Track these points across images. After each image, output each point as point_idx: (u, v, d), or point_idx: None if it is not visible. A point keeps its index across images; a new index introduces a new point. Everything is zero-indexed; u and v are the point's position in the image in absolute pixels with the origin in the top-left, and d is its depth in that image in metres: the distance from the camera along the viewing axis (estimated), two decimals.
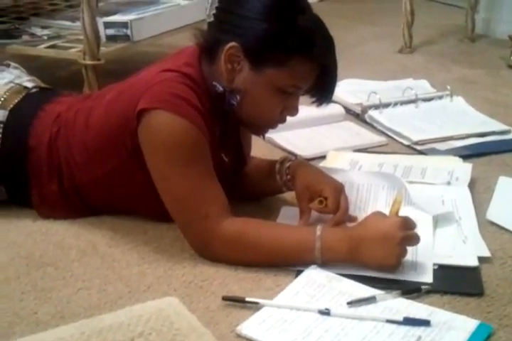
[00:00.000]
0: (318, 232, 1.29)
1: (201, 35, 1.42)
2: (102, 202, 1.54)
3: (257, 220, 1.37)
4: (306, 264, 1.30)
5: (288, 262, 1.32)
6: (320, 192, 1.43)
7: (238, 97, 1.38)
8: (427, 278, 1.28)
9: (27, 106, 1.58)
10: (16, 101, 1.58)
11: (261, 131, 1.49)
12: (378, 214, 1.31)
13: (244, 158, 1.61)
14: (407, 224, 1.27)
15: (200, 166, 1.34)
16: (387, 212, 1.33)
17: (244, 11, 1.34)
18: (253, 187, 1.60)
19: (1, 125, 1.54)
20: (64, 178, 1.52)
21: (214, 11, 1.36)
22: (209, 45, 1.39)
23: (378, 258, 1.27)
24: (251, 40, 1.33)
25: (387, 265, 1.28)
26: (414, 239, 1.28)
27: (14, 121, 1.55)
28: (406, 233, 1.26)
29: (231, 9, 1.36)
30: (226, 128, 1.49)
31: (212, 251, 1.35)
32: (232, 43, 1.33)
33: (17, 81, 1.65)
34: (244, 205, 1.54)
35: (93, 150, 1.47)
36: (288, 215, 1.50)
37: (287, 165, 1.51)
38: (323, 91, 1.41)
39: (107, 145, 1.44)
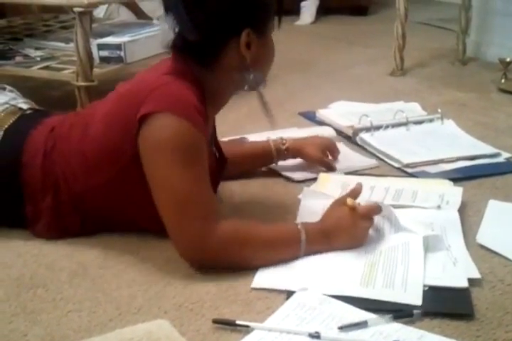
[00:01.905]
0: (300, 226, 1.43)
1: (191, 54, 1.44)
2: (99, 214, 1.54)
3: (245, 220, 1.45)
4: (292, 255, 1.42)
5: (278, 253, 1.41)
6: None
7: (257, 65, 1.47)
8: (416, 300, 1.28)
9: (21, 126, 1.60)
10: (11, 121, 1.61)
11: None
12: (340, 206, 1.48)
13: (222, 152, 1.71)
14: (365, 214, 1.46)
15: (199, 169, 1.39)
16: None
17: (235, 6, 1.41)
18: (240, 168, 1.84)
19: None
20: (60, 192, 1.52)
21: (197, 29, 1.39)
22: (210, 54, 1.44)
23: (347, 244, 1.45)
24: (255, 19, 1.44)
25: (355, 247, 1.45)
26: (370, 224, 1.48)
27: (8, 141, 1.56)
28: (364, 224, 1.46)
29: (222, 13, 1.41)
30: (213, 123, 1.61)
31: (209, 251, 1.37)
32: (246, 31, 1.42)
33: (12, 102, 1.68)
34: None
35: (92, 159, 1.48)
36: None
37: (284, 147, 1.87)
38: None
39: (106, 152, 1.45)
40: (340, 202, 1.49)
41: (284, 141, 1.88)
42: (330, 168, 1.90)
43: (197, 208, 1.37)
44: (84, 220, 1.55)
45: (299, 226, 1.42)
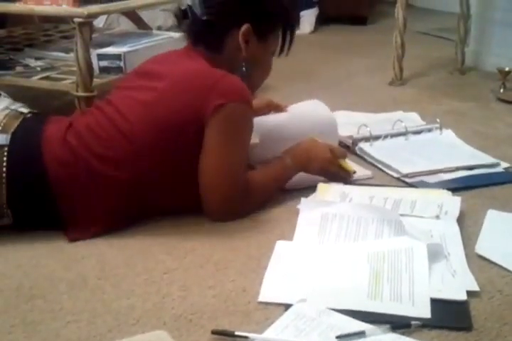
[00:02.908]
0: (288, 159, 1.78)
1: (199, 34, 1.73)
2: (141, 197, 1.64)
3: (254, 174, 1.74)
4: (289, 178, 1.79)
5: (277, 184, 1.79)
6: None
7: (252, 64, 1.73)
8: (425, 313, 1.28)
9: (28, 129, 1.63)
10: (16, 125, 1.63)
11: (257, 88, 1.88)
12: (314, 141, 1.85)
13: None
14: (334, 152, 1.84)
15: (248, 143, 1.71)
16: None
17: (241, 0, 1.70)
18: None
19: (5, 148, 1.57)
20: (96, 183, 1.59)
21: (207, 10, 1.68)
22: (214, 37, 1.71)
23: (317, 166, 1.82)
24: (258, 20, 1.70)
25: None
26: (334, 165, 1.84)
27: (20, 141, 1.59)
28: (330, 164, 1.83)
29: (230, 2, 1.70)
30: None
31: (250, 198, 1.69)
32: (246, 25, 1.68)
33: (12, 107, 1.70)
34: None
35: (143, 144, 1.59)
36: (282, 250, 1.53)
37: None
38: (291, 38, 1.79)
39: (162, 136, 1.59)
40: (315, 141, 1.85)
41: None
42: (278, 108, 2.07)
43: (244, 167, 1.69)
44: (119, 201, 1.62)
45: (286, 160, 1.78)
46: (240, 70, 1.72)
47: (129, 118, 1.61)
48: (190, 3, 1.70)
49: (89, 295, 1.37)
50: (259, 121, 1.84)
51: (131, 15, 3.24)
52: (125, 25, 3.57)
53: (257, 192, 1.71)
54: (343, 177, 1.86)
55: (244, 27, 1.68)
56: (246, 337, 1.20)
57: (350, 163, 1.92)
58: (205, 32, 1.71)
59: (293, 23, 1.80)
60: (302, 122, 1.98)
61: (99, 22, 3.62)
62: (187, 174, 1.63)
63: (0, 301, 1.35)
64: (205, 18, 1.69)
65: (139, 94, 1.65)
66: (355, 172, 1.88)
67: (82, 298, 1.36)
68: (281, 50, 1.79)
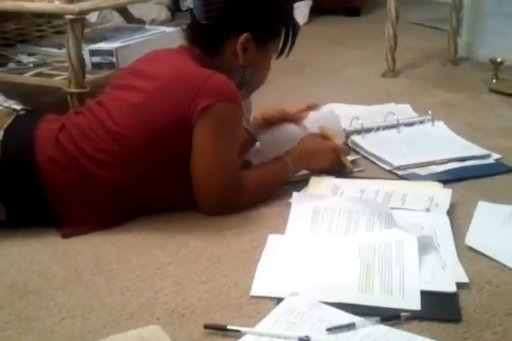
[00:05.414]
0: (288, 159, 1.80)
1: (197, 37, 1.72)
2: (132, 196, 1.64)
3: (249, 172, 1.76)
4: (287, 178, 1.82)
5: (275, 183, 1.79)
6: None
7: (250, 70, 1.74)
8: (415, 305, 1.30)
9: (21, 126, 1.64)
10: (9, 122, 1.64)
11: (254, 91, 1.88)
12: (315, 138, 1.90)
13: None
14: (336, 150, 1.88)
15: (238, 142, 1.72)
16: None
17: (242, 8, 1.67)
18: None
19: None
20: (91, 185, 1.60)
21: (207, 15, 1.67)
22: (212, 41, 1.70)
23: (318, 166, 1.87)
24: (259, 27, 1.69)
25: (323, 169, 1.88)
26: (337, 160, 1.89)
27: (12, 139, 1.60)
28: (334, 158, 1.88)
29: (231, 9, 1.67)
30: None
31: (244, 197, 1.69)
32: (246, 34, 1.67)
33: (5, 104, 1.71)
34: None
35: (134, 147, 1.60)
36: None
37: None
38: (292, 44, 1.78)
39: (153, 138, 1.60)
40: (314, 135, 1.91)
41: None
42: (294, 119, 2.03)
43: (236, 163, 1.70)
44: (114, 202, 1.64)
45: (286, 160, 1.79)
46: (237, 77, 1.72)
47: (119, 121, 1.60)
48: (191, 6, 1.69)
49: (84, 290, 1.39)
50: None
51: (122, 10, 3.23)
52: (119, 19, 3.56)
53: (251, 190, 1.71)
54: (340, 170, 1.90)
55: (243, 36, 1.67)
56: (238, 331, 1.22)
57: (349, 160, 1.95)
58: (203, 35, 1.70)
59: (295, 25, 1.77)
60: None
61: (91, 17, 3.61)
62: (179, 173, 1.64)
63: None
64: (204, 22, 1.68)
65: (129, 96, 1.64)
66: (351, 170, 1.92)
67: (76, 293, 1.38)
68: (281, 52, 1.78)
